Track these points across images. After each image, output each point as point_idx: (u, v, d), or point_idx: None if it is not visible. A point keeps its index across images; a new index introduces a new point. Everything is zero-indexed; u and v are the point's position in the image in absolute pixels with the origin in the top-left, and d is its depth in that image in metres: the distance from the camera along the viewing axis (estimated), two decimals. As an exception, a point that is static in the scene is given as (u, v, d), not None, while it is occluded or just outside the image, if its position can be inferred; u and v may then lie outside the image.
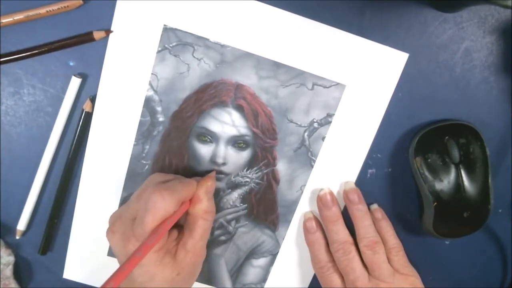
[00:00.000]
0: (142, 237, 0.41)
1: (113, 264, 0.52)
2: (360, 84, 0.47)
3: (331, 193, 0.49)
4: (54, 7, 0.44)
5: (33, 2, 0.44)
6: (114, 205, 0.51)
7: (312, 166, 0.49)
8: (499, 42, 0.46)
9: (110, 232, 0.44)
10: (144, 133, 0.48)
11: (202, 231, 0.45)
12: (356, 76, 0.46)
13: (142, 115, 0.48)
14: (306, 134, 0.48)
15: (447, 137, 0.47)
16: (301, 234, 0.51)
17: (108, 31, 0.45)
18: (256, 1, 0.44)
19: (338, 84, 0.47)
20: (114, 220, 0.45)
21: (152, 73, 0.46)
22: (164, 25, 0.45)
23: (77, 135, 0.48)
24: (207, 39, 0.46)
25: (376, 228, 0.49)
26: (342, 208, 0.50)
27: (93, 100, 0.47)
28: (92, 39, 0.45)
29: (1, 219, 0.50)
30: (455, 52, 0.46)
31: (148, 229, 0.41)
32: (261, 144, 0.48)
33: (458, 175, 0.47)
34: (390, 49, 0.46)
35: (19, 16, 0.44)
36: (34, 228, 0.51)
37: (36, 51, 0.45)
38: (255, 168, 0.49)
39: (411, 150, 0.48)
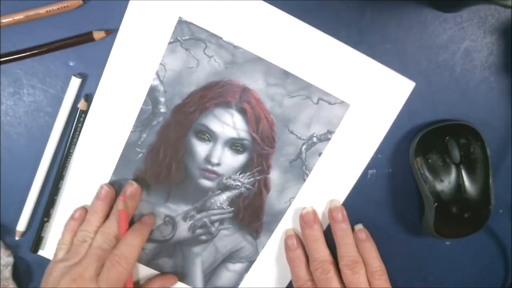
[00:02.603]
0: None
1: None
2: (364, 106, 0.47)
3: (314, 212, 0.49)
4: (54, 7, 0.44)
5: (33, 2, 0.44)
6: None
7: (304, 180, 0.49)
8: (499, 42, 0.46)
9: None
10: (143, 121, 0.48)
11: (117, 275, 0.45)
12: (362, 97, 0.47)
13: (145, 104, 0.47)
14: (304, 147, 0.48)
15: (447, 137, 0.47)
16: (282, 245, 0.51)
17: (108, 31, 0.45)
18: (273, 7, 0.44)
19: (343, 102, 0.47)
20: None
21: (160, 63, 0.46)
22: (180, 17, 0.45)
23: (71, 134, 0.48)
24: (221, 38, 0.46)
25: (360, 250, 0.48)
26: (325, 227, 0.50)
27: (88, 99, 0.47)
28: (92, 39, 0.45)
29: (1, 220, 0.50)
30: (455, 52, 0.46)
31: None
32: (258, 150, 0.48)
33: (459, 176, 0.47)
34: (398, 76, 0.46)
35: (19, 16, 0.44)
36: (34, 229, 0.51)
37: (36, 51, 0.45)
38: (248, 173, 0.49)
39: (411, 151, 0.48)
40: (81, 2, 0.44)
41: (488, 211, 0.48)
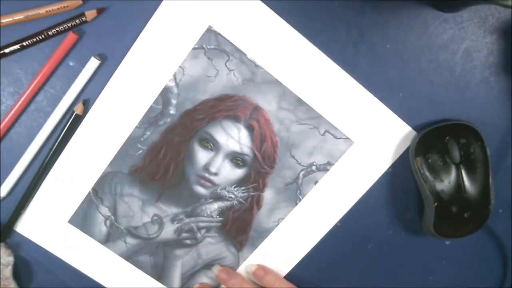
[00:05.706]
0: None
1: (73, 232, 0.51)
2: (366, 146, 0.49)
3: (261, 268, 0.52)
4: (54, 7, 0.44)
5: (33, 2, 0.44)
6: (93, 177, 0.50)
7: (296, 204, 0.50)
8: (499, 42, 0.46)
9: None
10: (150, 119, 0.48)
11: None
12: (366, 138, 0.48)
13: (155, 102, 0.48)
14: (302, 173, 0.49)
15: (447, 137, 0.47)
16: (263, 261, 0.52)
17: (99, 10, 0.45)
18: (302, 36, 0.45)
19: (347, 138, 0.48)
20: None
21: (180, 66, 0.47)
22: (210, 26, 0.46)
23: (60, 137, 0.48)
24: (245, 54, 0.46)
25: (265, 285, 0.50)
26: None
27: (85, 103, 0.47)
28: (85, 21, 0.44)
29: (1, 219, 0.50)
30: (455, 52, 0.46)
31: None
32: (258, 168, 0.49)
33: (459, 175, 0.47)
34: (404, 124, 0.48)
35: (19, 16, 0.44)
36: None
37: (34, 39, 0.45)
38: (243, 188, 0.50)
39: (411, 151, 0.48)
40: (81, 2, 0.44)
41: (488, 210, 0.48)
